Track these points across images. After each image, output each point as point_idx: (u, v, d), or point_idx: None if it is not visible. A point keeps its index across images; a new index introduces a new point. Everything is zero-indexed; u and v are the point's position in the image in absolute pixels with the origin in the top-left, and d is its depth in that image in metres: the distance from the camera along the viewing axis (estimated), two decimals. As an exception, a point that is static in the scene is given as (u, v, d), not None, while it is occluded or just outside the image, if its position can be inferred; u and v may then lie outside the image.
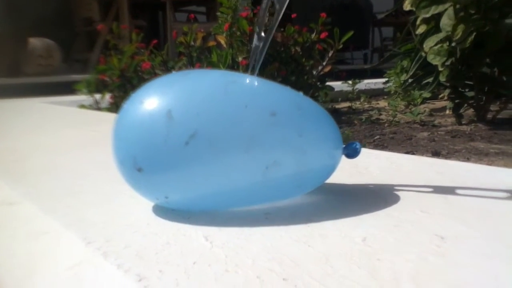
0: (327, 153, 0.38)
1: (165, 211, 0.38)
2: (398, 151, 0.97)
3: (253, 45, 0.39)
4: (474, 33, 1.14)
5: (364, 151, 0.61)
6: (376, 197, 0.40)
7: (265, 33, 0.38)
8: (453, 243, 0.29)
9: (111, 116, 1.20)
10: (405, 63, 1.76)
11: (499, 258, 0.27)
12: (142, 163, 0.35)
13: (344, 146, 0.40)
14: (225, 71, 0.39)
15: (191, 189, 0.36)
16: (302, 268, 0.27)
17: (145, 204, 0.40)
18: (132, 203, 0.41)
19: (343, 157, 0.40)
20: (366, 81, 2.14)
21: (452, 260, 0.27)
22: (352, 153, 0.40)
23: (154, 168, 0.35)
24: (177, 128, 0.35)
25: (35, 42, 3.15)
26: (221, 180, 0.35)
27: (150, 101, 0.36)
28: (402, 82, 1.69)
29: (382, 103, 1.83)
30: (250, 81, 0.38)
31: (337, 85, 1.72)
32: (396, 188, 0.42)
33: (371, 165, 0.50)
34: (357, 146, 0.40)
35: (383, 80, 1.94)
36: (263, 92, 0.37)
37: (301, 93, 0.39)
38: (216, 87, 0.37)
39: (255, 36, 0.39)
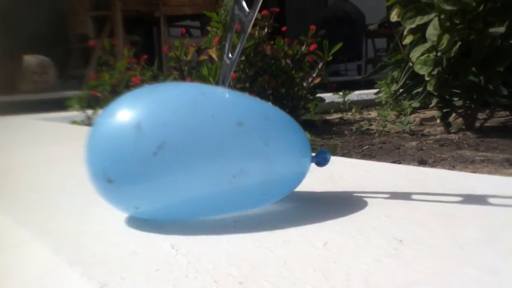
0: (295, 161, 0.39)
1: (137, 222, 0.39)
2: (385, 160, 0.98)
3: (223, 62, 0.41)
4: (459, 43, 1.16)
5: (342, 161, 0.62)
6: (344, 203, 0.41)
7: (232, 54, 0.40)
8: (410, 246, 0.30)
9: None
10: (395, 73, 1.77)
11: (451, 258, 0.28)
12: (112, 174, 0.36)
13: (313, 155, 0.41)
14: (195, 83, 0.41)
15: (160, 199, 0.37)
16: (259, 272, 0.27)
17: (118, 216, 0.40)
18: (106, 215, 0.41)
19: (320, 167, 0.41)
20: (358, 92, 2.15)
21: (406, 262, 0.28)
22: (322, 161, 0.41)
23: (124, 179, 0.36)
24: (145, 139, 0.35)
25: (30, 59, 3.17)
26: (189, 189, 0.36)
27: (120, 114, 0.37)
28: (392, 92, 1.71)
29: (374, 114, 1.85)
30: (218, 92, 0.39)
31: (328, 96, 1.74)
32: (366, 195, 0.43)
33: (346, 173, 0.51)
34: (327, 155, 0.41)
35: (375, 90, 1.95)
36: (231, 102, 0.38)
37: (269, 103, 0.40)
38: (185, 98, 0.38)
39: (224, 56, 0.41)
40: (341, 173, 0.51)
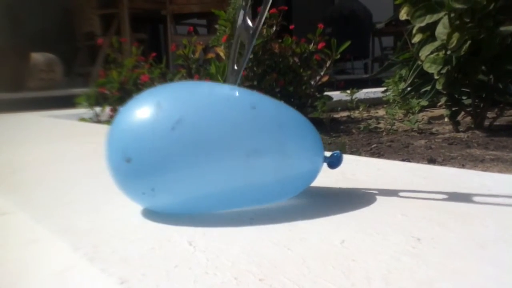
0: (308, 156, 0.40)
1: (153, 218, 0.39)
2: (394, 159, 0.97)
3: (228, 73, 0.42)
4: (469, 41, 1.15)
5: (354, 159, 0.62)
6: (359, 201, 0.41)
7: (237, 66, 0.41)
8: (428, 244, 0.30)
9: (110, 128, 1.21)
10: (403, 72, 1.77)
11: (470, 257, 0.28)
12: (131, 152, 0.37)
13: (327, 155, 0.41)
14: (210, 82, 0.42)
15: (177, 178, 0.37)
16: (279, 269, 0.27)
17: (134, 212, 0.41)
18: (122, 211, 0.42)
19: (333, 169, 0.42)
20: (365, 90, 2.15)
21: (425, 260, 0.28)
22: (335, 162, 0.41)
23: (142, 156, 0.37)
24: (164, 115, 0.37)
25: (37, 56, 3.19)
26: (205, 167, 0.37)
27: (142, 99, 0.40)
28: (400, 90, 1.70)
29: (381, 112, 1.84)
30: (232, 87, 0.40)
31: (336, 94, 1.74)
32: (380, 193, 0.43)
33: (359, 172, 0.51)
34: (340, 156, 0.41)
35: (383, 89, 1.94)
36: (246, 92, 0.40)
37: (281, 102, 0.41)
38: (202, 87, 0.40)
39: (229, 70, 0.41)
40: (353, 171, 0.51)
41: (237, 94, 0.39)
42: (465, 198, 0.40)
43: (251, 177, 0.38)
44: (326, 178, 0.41)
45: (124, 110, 0.40)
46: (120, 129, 0.39)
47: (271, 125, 0.38)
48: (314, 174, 0.41)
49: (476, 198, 0.40)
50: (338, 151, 0.41)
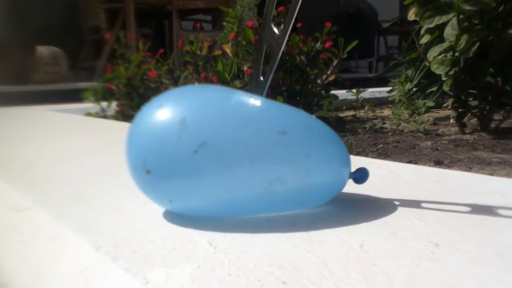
0: (334, 174, 0.39)
1: (172, 218, 0.40)
2: (401, 160, 0.98)
3: (253, 85, 0.40)
4: (478, 43, 1.16)
5: (366, 161, 0.63)
6: (374, 205, 0.41)
7: (263, 77, 0.39)
8: (447, 250, 0.30)
9: (117, 124, 1.22)
10: (409, 72, 1.77)
11: (489, 264, 0.28)
12: (151, 166, 0.37)
13: (353, 171, 0.41)
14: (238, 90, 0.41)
15: (195, 196, 0.37)
16: (301, 272, 0.28)
17: (153, 211, 0.41)
18: (141, 210, 0.42)
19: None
20: (370, 89, 2.15)
21: (445, 266, 0.28)
22: (360, 179, 0.41)
23: (162, 172, 0.37)
24: (188, 136, 0.36)
25: (42, 50, 3.19)
26: (224, 191, 0.37)
27: (166, 107, 0.38)
28: (406, 91, 1.70)
29: (387, 112, 1.84)
30: (263, 100, 0.39)
31: (341, 93, 1.74)
32: (395, 196, 0.43)
33: (372, 174, 0.51)
34: (366, 172, 0.41)
35: (388, 88, 1.94)
36: (275, 111, 0.39)
37: (313, 116, 0.40)
38: (231, 101, 0.38)
39: (253, 81, 0.40)
40: (366, 174, 0.52)
41: (266, 112, 0.38)
42: (480, 203, 0.40)
43: (270, 200, 0.37)
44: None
45: (147, 113, 0.39)
46: (141, 136, 0.38)
47: (298, 153, 0.37)
48: (337, 191, 0.40)
49: (491, 204, 0.40)
50: (364, 167, 0.41)
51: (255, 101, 0.38)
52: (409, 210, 0.39)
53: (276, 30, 0.39)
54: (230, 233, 0.36)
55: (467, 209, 0.39)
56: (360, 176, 0.41)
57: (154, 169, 0.37)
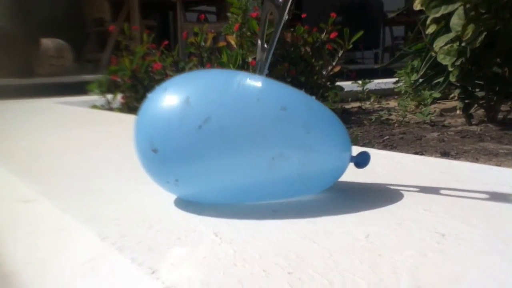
0: (335, 154, 0.40)
1: (177, 208, 0.40)
2: (407, 151, 0.97)
3: (257, 58, 0.41)
4: (485, 33, 1.14)
5: (371, 152, 0.62)
6: (380, 196, 0.41)
7: (267, 44, 0.40)
8: (453, 240, 0.30)
9: (123, 117, 1.22)
10: (415, 62, 1.75)
11: (496, 254, 0.28)
12: (157, 144, 0.38)
13: (354, 155, 0.41)
14: (240, 71, 0.41)
15: (200, 173, 0.38)
16: (307, 263, 0.28)
17: (158, 201, 0.41)
18: (146, 201, 0.42)
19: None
20: (376, 81, 2.13)
21: (451, 256, 0.28)
22: (361, 162, 0.41)
23: (168, 149, 0.38)
24: (192, 113, 0.37)
25: (47, 42, 3.19)
26: (228, 167, 0.37)
27: (171, 89, 0.40)
28: (412, 82, 1.69)
29: (393, 103, 1.83)
30: (263, 79, 0.39)
31: (347, 85, 1.73)
32: (401, 187, 0.43)
33: (377, 165, 0.51)
34: (367, 156, 0.41)
35: (394, 79, 1.93)
36: (276, 89, 0.40)
37: (313, 97, 0.41)
38: (233, 80, 0.39)
39: (258, 48, 0.40)
40: (372, 164, 0.52)
41: (268, 90, 0.39)
42: (486, 194, 0.40)
43: (275, 176, 0.38)
44: (346, 171, 0.41)
45: (153, 98, 0.40)
46: (148, 118, 0.40)
47: (299, 129, 0.38)
48: (339, 173, 0.41)
49: (497, 195, 0.40)
50: (366, 151, 0.41)
51: (256, 80, 0.39)
52: (415, 201, 0.39)
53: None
54: (235, 223, 0.36)
55: (473, 199, 0.39)
56: (362, 160, 0.41)
57: (161, 148, 0.38)
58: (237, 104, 0.38)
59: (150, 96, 0.41)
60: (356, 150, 0.42)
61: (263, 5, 0.41)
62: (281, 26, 0.40)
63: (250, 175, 0.38)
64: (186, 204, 0.41)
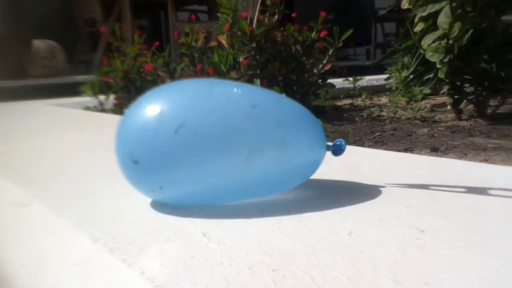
0: (310, 146, 0.41)
1: (167, 211, 0.41)
2: (398, 147, 0.99)
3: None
4: (471, 30, 1.16)
5: (359, 150, 0.64)
6: (364, 194, 0.42)
7: None
8: (432, 236, 0.32)
9: (115, 118, 1.23)
10: (406, 59, 1.77)
11: (472, 249, 0.30)
12: (137, 155, 0.39)
13: (330, 144, 0.43)
14: (209, 79, 0.43)
15: (182, 176, 0.39)
16: (290, 260, 0.29)
17: (149, 204, 0.42)
18: (137, 203, 0.43)
19: (336, 157, 0.43)
20: (367, 77, 2.15)
21: (429, 251, 0.29)
22: (337, 150, 0.43)
23: (148, 159, 0.39)
24: (167, 121, 0.39)
25: (39, 43, 3.18)
26: (209, 165, 0.39)
27: (144, 103, 0.41)
28: (403, 78, 1.70)
29: (384, 100, 1.85)
30: (232, 83, 0.41)
31: (338, 82, 1.74)
32: (385, 185, 0.44)
33: (364, 163, 0.52)
34: (342, 143, 0.43)
35: (385, 76, 1.95)
36: (245, 89, 0.42)
37: (283, 95, 0.43)
38: (202, 86, 0.42)
39: None
40: (358, 163, 0.53)
41: (237, 91, 0.41)
42: (467, 190, 0.42)
43: (253, 172, 0.40)
44: (332, 170, 0.42)
45: (129, 113, 0.42)
46: (125, 132, 0.41)
47: (271, 123, 0.40)
48: (316, 164, 0.42)
49: (478, 191, 0.41)
50: (341, 139, 0.43)
51: (226, 84, 0.42)
52: (398, 198, 0.40)
53: None
54: (223, 223, 0.37)
55: (455, 196, 0.40)
56: (337, 147, 0.43)
57: (141, 158, 0.39)
58: (208, 106, 0.40)
59: (126, 111, 0.42)
60: (347, 149, 0.43)
61: None
62: None
63: (230, 172, 0.39)
64: (176, 206, 0.42)
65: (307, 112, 0.43)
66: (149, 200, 0.43)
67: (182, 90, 0.42)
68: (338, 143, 0.43)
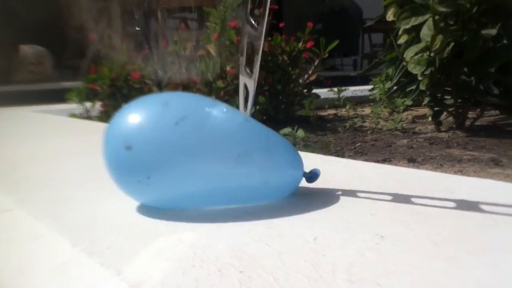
0: (290, 170, 0.45)
1: (146, 215, 0.43)
2: (377, 157, 1.02)
3: (241, 88, 0.45)
4: (452, 43, 1.19)
5: (334, 160, 0.66)
6: (333, 202, 0.45)
7: (250, 70, 0.44)
8: (390, 241, 0.34)
9: (101, 126, 1.24)
10: (390, 70, 1.81)
11: (425, 253, 0.32)
12: (133, 140, 0.41)
13: (307, 172, 0.46)
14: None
15: (172, 169, 0.41)
16: (257, 263, 0.31)
17: (129, 209, 0.44)
18: (117, 208, 0.45)
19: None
20: (352, 88, 2.18)
21: (385, 255, 0.32)
22: (312, 178, 0.46)
23: (144, 145, 0.41)
24: (171, 112, 0.42)
25: (26, 49, 3.18)
26: (199, 164, 0.41)
27: (149, 98, 0.45)
28: (386, 89, 1.74)
29: (367, 110, 1.88)
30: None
31: (323, 92, 1.77)
32: (354, 194, 0.47)
33: (338, 173, 0.54)
34: (317, 172, 0.46)
35: (370, 87, 1.98)
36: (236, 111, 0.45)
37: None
38: (205, 100, 0.46)
39: (241, 77, 0.44)
40: (333, 172, 0.55)
41: (232, 110, 0.44)
42: (430, 200, 0.44)
43: (242, 177, 0.42)
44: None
45: (130, 105, 0.44)
46: (124, 119, 0.43)
47: (261, 135, 0.44)
48: (294, 184, 0.46)
49: (439, 200, 0.44)
50: (317, 169, 0.46)
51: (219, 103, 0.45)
52: (364, 206, 0.43)
53: (255, 24, 0.43)
54: (198, 228, 0.39)
55: (417, 205, 0.43)
56: (313, 175, 0.47)
57: (136, 144, 0.41)
58: (209, 110, 0.43)
59: (126, 105, 0.45)
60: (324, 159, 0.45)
61: (241, 34, 0.44)
62: (259, 56, 0.44)
63: (219, 170, 0.42)
64: (155, 211, 0.43)
65: (288, 142, 0.46)
66: (129, 206, 0.44)
67: (187, 96, 0.46)
68: (314, 171, 0.47)
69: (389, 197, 0.45)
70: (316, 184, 0.48)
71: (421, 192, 0.47)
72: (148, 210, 0.44)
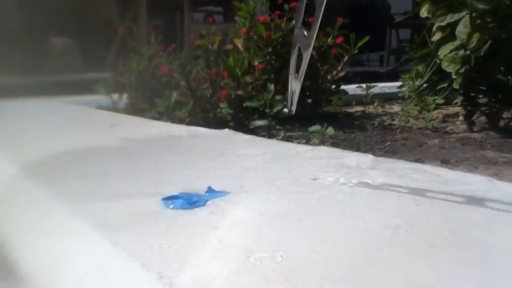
0: None
1: (185, 214, 0.42)
2: (408, 158, 0.99)
3: (289, 89, 0.43)
4: (490, 41, 1.15)
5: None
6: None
7: (297, 75, 0.43)
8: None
9: (128, 118, 1.24)
10: (420, 68, 1.76)
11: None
12: None
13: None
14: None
15: None
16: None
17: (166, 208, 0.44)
18: (153, 205, 0.44)
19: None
20: (381, 84, 2.14)
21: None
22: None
23: None
24: None
25: (55, 40, 3.23)
26: None
27: None
28: (416, 87, 1.70)
29: (396, 108, 1.84)
30: None
31: (351, 88, 1.74)
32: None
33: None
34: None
35: (398, 83, 1.94)
36: None
37: None
38: None
39: (290, 78, 0.43)
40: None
41: None
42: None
43: None
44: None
45: None
46: None
47: None
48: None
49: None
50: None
51: None
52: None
53: (305, 32, 0.42)
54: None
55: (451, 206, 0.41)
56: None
57: None
58: None
59: None
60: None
61: (293, 38, 0.44)
62: (308, 55, 0.43)
63: None
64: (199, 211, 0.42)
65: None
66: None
67: None
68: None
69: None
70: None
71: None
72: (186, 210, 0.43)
